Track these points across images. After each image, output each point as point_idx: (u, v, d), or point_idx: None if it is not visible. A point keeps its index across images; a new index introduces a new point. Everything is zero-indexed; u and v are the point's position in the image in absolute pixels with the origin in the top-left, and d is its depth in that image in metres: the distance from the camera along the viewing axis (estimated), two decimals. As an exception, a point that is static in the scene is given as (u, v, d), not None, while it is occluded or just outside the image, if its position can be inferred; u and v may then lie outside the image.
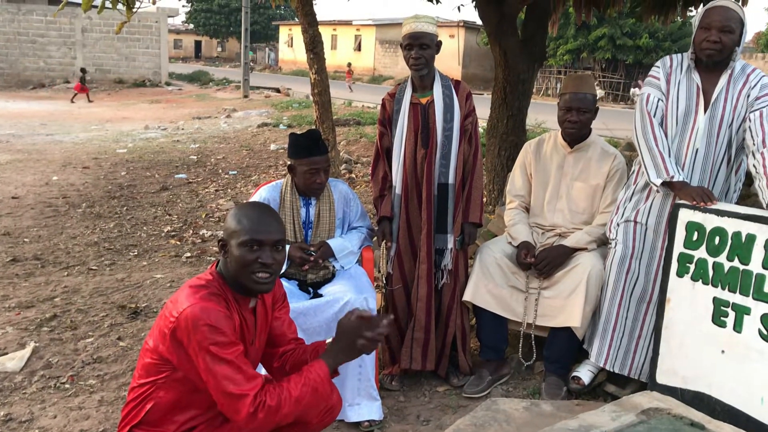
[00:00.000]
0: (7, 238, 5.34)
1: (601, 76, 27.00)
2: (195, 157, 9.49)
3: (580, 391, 2.89)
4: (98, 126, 13.21)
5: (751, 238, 2.29)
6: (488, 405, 2.49)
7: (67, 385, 3.01)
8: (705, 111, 2.69)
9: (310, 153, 2.79)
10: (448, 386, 3.07)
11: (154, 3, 4.51)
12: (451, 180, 2.97)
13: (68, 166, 8.65)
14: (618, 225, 2.86)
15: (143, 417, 1.86)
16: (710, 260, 2.41)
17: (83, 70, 20.08)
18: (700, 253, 2.44)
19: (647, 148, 2.71)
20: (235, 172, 8.37)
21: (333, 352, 1.91)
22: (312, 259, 2.79)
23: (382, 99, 3.11)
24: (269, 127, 12.55)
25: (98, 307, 3.93)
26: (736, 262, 2.33)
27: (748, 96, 2.65)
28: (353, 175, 7.90)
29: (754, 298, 2.28)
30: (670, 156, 2.68)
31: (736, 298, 2.33)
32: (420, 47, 2.86)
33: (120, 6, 3.98)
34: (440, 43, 2.95)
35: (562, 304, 2.89)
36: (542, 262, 2.95)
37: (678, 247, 2.52)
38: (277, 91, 21.69)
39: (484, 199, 3.50)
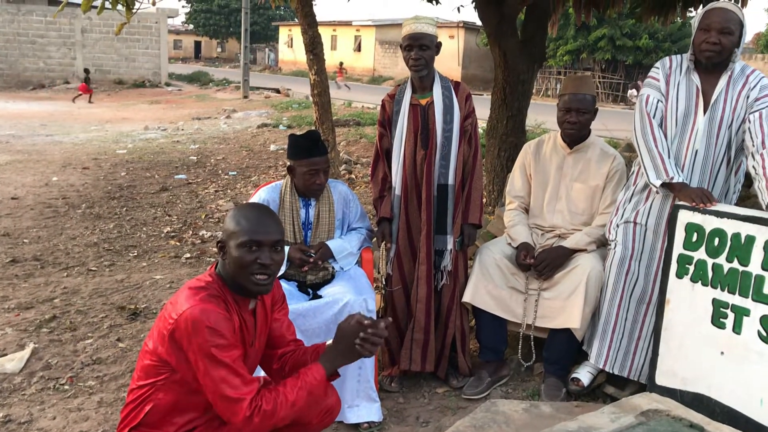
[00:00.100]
0: (6, 238, 5.34)
1: (600, 77, 27.00)
2: (195, 157, 9.49)
3: (580, 393, 2.89)
4: (98, 126, 13.21)
5: (750, 240, 2.29)
6: (487, 406, 2.49)
7: (66, 387, 3.00)
8: (704, 112, 2.69)
9: (309, 154, 2.79)
10: (448, 387, 3.07)
11: (153, 4, 4.51)
12: (450, 181, 2.97)
13: (68, 166, 8.65)
14: (617, 226, 2.86)
15: (142, 419, 1.86)
16: (710, 261, 2.41)
17: (87, 71, 20.07)
18: (700, 254, 2.44)
19: (647, 149, 2.71)
20: (235, 173, 8.37)
21: (332, 355, 1.91)
22: (311, 260, 2.79)
23: (382, 100, 3.11)
24: (269, 127, 12.54)
25: (98, 308, 3.93)
26: (735, 264, 2.33)
27: (748, 97, 2.65)
28: (353, 176, 7.90)
29: (753, 300, 2.28)
30: (669, 157, 2.68)
31: (736, 300, 2.33)
32: (420, 48, 2.86)
33: (120, 7, 3.98)
34: (440, 44, 2.95)
35: (562, 305, 2.89)
36: (542, 263, 2.95)
37: (677, 249, 2.52)
38: (277, 91, 21.70)
39: (484, 200, 3.50)
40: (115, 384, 3.03)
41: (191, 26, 51.58)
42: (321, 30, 5.22)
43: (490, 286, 2.99)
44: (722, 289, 2.37)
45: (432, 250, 2.96)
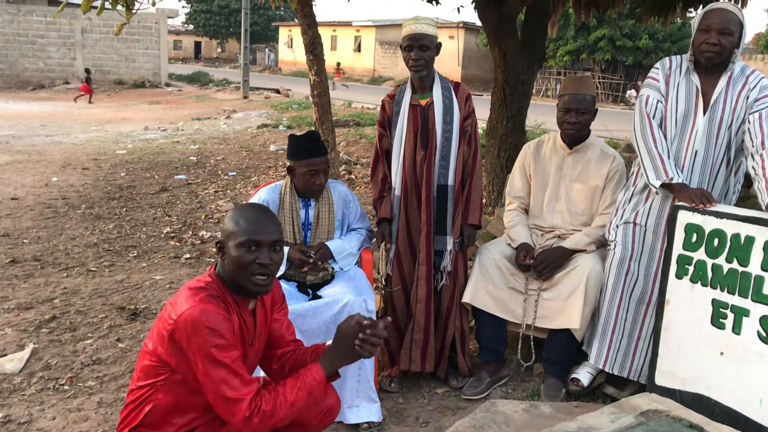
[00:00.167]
0: (6, 239, 5.34)
1: (600, 78, 27.01)
2: (194, 158, 9.49)
3: (579, 393, 2.89)
4: (98, 127, 13.22)
5: (750, 240, 2.29)
6: (487, 407, 2.49)
7: (66, 387, 3.00)
8: (704, 113, 2.69)
9: (309, 154, 2.79)
10: (447, 388, 3.07)
11: (153, 4, 4.50)
12: (450, 181, 2.97)
13: (68, 167, 8.65)
14: (617, 226, 2.86)
15: (142, 419, 1.86)
16: (709, 262, 2.41)
17: (87, 71, 20.07)
18: (699, 254, 2.45)
19: (646, 149, 2.72)
20: (235, 173, 8.37)
21: (331, 355, 1.91)
22: (311, 260, 2.79)
23: (382, 100, 3.11)
24: (269, 128, 12.55)
25: (97, 309, 3.93)
26: (735, 264, 2.33)
27: (748, 98, 2.65)
28: (353, 177, 7.90)
29: (753, 300, 2.28)
30: (669, 158, 2.68)
31: (735, 300, 2.33)
32: (420, 49, 2.86)
33: (119, 7, 3.97)
34: (440, 44, 2.95)
35: (561, 305, 2.89)
36: (541, 263, 2.95)
37: (677, 249, 2.52)
38: (277, 92, 21.70)
39: (484, 201, 3.50)
40: (114, 384, 3.04)
41: (191, 26, 51.59)
42: (321, 30, 5.22)
43: (489, 287, 2.99)
44: (722, 290, 2.37)
45: (432, 250, 2.96)
